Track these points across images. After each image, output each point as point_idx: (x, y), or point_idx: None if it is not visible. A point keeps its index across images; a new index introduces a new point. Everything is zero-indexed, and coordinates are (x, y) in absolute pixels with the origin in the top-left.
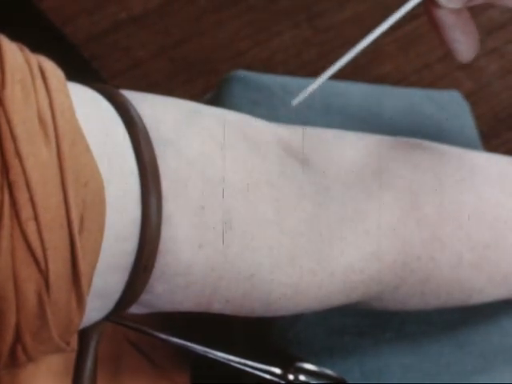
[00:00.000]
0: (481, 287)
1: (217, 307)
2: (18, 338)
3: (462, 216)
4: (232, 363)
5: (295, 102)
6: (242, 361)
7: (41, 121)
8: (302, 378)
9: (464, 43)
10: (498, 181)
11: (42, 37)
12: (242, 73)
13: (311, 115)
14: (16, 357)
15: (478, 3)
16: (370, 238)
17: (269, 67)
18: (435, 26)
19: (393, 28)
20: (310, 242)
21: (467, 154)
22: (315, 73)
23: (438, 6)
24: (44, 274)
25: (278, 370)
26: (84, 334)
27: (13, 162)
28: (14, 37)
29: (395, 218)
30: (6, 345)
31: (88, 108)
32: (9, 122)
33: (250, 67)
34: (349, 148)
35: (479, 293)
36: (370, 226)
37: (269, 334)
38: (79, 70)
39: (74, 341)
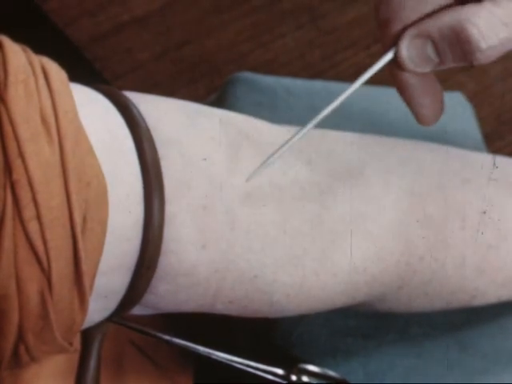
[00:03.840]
0: (484, 288)
1: (220, 308)
2: (20, 337)
3: (466, 217)
4: (235, 364)
5: (249, 178)
6: (245, 362)
7: (43, 121)
8: (304, 379)
9: (428, 107)
10: (502, 182)
11: (44, 38)
12: (246, 74)
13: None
14: (19, 357)
15: (446, 67)
16: (373, 238)
17: (272, 69)
18: (400, 89)
19: None
20: (312, 243)
21: (471, 155)
22: (318, 74)
23: (403, 69)
24: (46, 274)
25: (280, 371)
26: (87, 335)
27: (16, 161)
28: (17, 38)
29: (398, 219)
30: (9, 344)
31: (91, 109)
32: (12, 121)
33: (252, 69)
34: (352, 149)
35: (482, 294)
36: (372, 226)
37: (272, 335)
38: (82, 72)
39: (77, 341)
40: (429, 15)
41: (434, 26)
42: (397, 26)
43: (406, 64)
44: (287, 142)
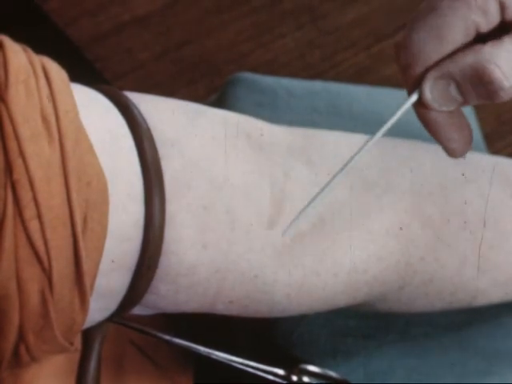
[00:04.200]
0: (485, 288)
1: (220, 308)
2: (21, 337)
3: (466, 217)
4: (235, 364)
5: (287, 233)
6: (245, 362)
7: (44, 120)
8: (305, 379)
9: (457, 141)
10: (502, 182)
11: (44, 38)
12: (246, 75)
13: (315, 117)
14: (19, 357)
15: (471, 105)
16: (374, 238)
17: (272, 69)
18: (427, 126)
19: (396, 30)
20: (313, 243)
21: (471, 156)
22: (318, 75)
23: (429, 108)
24: (47, 273)
25: (281, 371)
26: (88, 335)
27: (16, 161)
28: (18, 38)
29: (399, 219)
30: (10, 344)
31: (91, 109)
32: (12, 121)
33: (253, 69)
34: (352, 149)
35: (483, 294)
36: (373, 226)
37: (273, 336)
38: (82, 72)
39: (78, 341)
40: (449, 55)
41: (456, 67)
42: (419, 69)
43: (430, 105)
44: (318, 193)
